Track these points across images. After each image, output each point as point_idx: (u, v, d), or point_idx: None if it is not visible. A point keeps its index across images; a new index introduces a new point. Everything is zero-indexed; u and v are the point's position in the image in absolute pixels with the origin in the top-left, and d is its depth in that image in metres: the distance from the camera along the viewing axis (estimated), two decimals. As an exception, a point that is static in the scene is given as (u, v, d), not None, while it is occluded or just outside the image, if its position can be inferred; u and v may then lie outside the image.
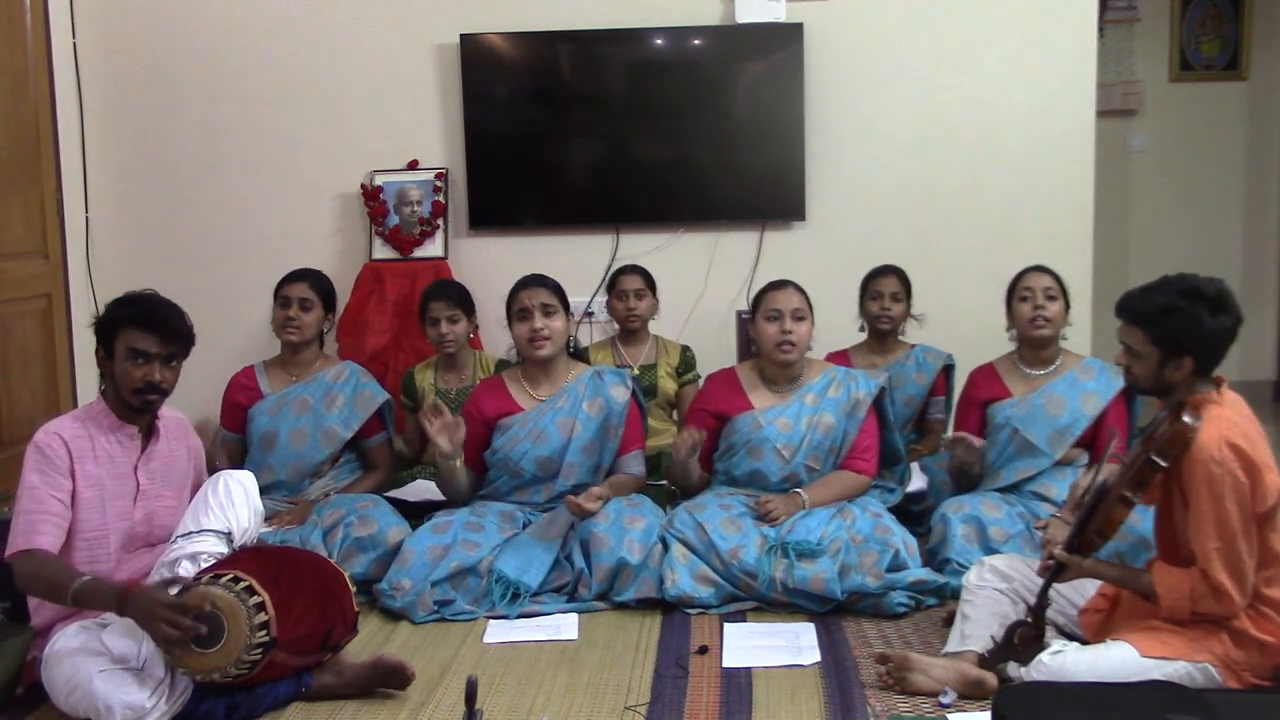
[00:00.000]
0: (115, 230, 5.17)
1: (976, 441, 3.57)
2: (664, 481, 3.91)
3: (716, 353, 4.98)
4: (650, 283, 4.60)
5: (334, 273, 4.45)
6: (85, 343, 4.70)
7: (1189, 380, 2.61)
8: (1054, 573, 2.69)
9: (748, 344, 4.83)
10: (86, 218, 5.08)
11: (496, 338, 4.73)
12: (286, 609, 2.60)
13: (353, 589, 2.83)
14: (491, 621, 3.27)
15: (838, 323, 4.37)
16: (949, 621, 2.98)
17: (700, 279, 5.11)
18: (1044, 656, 2.58)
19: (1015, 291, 3.72)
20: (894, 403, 3.91)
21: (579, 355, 3.89)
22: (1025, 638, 2.69)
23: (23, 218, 4.62)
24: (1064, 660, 2.55)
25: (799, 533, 3.33)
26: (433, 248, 5.09)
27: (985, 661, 2.73)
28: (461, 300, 4.28)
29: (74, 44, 4.99)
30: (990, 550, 3.29)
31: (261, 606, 2.56)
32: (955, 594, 3.04)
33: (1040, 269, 3.73)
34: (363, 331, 4.92)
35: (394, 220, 5.10)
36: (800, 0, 4.96)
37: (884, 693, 2.74)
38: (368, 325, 4.93)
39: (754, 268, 5.10)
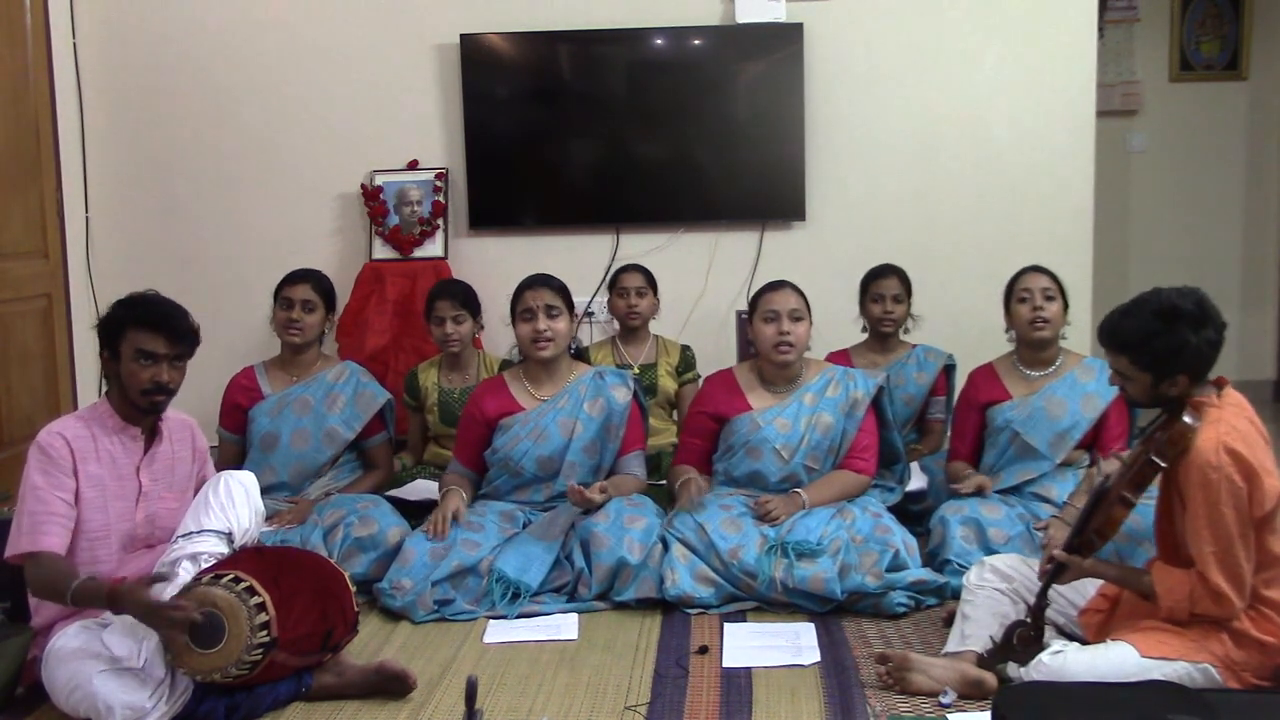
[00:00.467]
0: (115, 230, 5.18)
1: (988, 489, 3.56)
2: (664, 481, 3.91)
3: (716, 353, 4.98)
4: (651, 282, 4.60)
5: (334, 273, 4.45)
6: (85, 343, 4.72)
7: (1186, 391, 2.60)
8: (1054, 573, 2.69)
9: (748, 344, 4.82)
10: (86, 218, 5.08)
11: (497, 338, 4.74)
12: (287, 609, 2.60)
13: (353, 589, 2.83)
14: (491, 621, 3.27)
15: (838, 322, 4.37)
16: (949, 621, 2.98)
17: (700, 279, 5.12)
18: (1044, 656, 2.58)
19: (1013, 293, 3.71)
20: (894, 402, 3.91)
21: (579, 355, 3.90)
22: (1025, 638, 2.69)
23: (23, 218, 4.62)
24: (1064, 660, 2.54)
25: (799, 533, 3.33)
26: (433, 248, 5.10)
27: (985, 661, 2.73)
28: (467, 300, 4.28)
29: (74, 44, 5.00)
30: (990, 551, 3.29)
31: (262, 607, 2.56)
32: (955, 594, 3.04)
33: (1037, 269, 3.72)
34: (363, 331, 4.92)
35: (394, 220, 5.10)
36: (800, 0, 4.96)
37: (884, 693, 2.74)
38: (368, 325, 4.93)
39: (754, 268, 5.10)
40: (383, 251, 5.11)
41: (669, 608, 3.32)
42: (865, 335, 4.46)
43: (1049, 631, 2.76)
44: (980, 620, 2.79)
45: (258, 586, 2.58)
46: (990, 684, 2.67)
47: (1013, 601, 2.81)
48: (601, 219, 5.17)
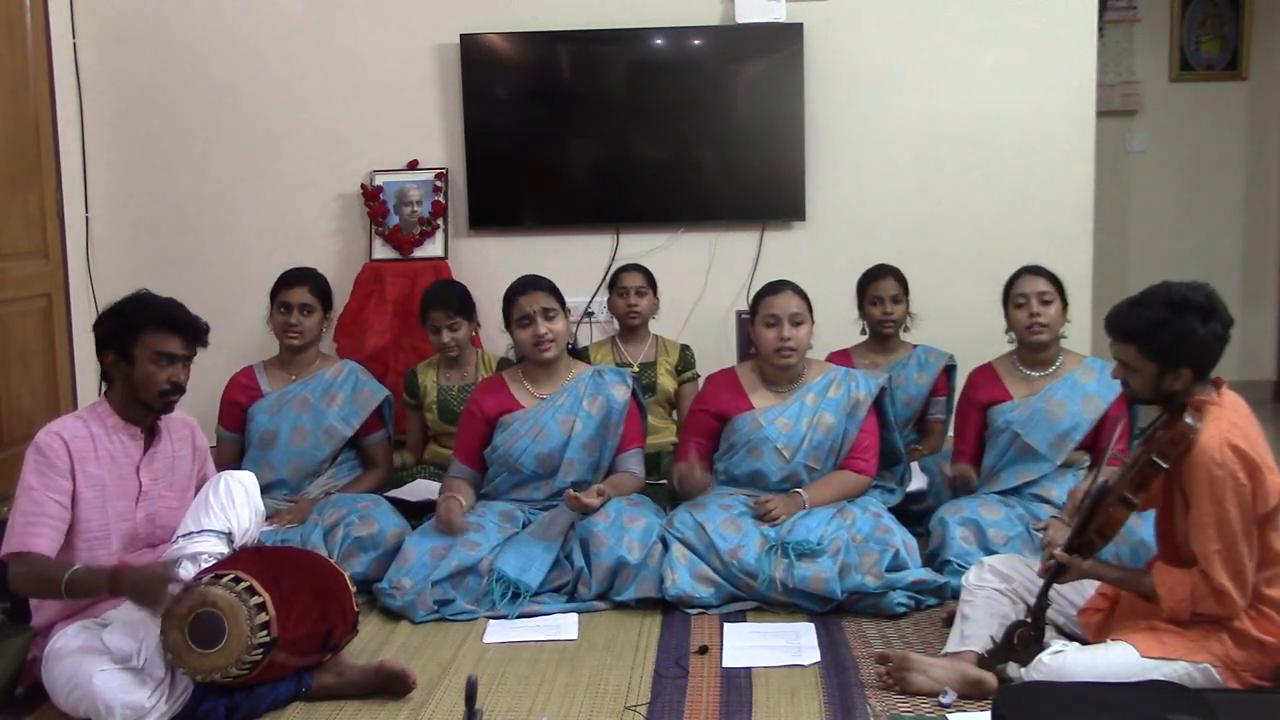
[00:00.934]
0: (115, 230, 5.18)
1: (961, 472, 3.57)
2: (664, 481, 3.91)
3: (716, 353, 4.98)
4: (651, 281, 4.60)
5: (334, 273, 4.45)
6: (85, 343, 4.70)
7: (1189, 387, 2.60)
8: (1054, 574, 2.69)
9: (748, 344, 4.83)
10: (86, 218, 5.08)
11: (497, 338, 4.73)
12: (287, 609, 2.60)
13: (353, 589, 2.83)
14: (491, 621, 3.27)
15: (838, 322, 4.37)
16: (949, 621, 2.98)
17: (700, 279, 5.12)
18: (1044, 656, 2.58)
19: (1010, 297, 3.70)
20: (895, 403, 3.91)
21: (578, 354, 3.90)
22: (1025, 638, 2.69)
23: (23, 218, 4.62)
24: (1064, 660, 2.55)
25: (799, 532, 3.33)
26: (433, 248, 5.10)
27: (985, 661, 2.73)
28: (461, 306, 4.27)
29: (74, 44, 5.00)
30: (989, 552, 3.29)
31: (262, 607, 2.56)
32: (955, 594, 3.04)
33: (1034, 271, 3.69)
34: (363, 331, 4.92)
35: (394, 220, 5.10)
36: (800, 0, 4.96)
37: (884, 693, 2.74)
38: (368, 325, 4.93)
39: (754, 268, 5.10)
40: (383, 251, 5.11)
41: (669, 608, 3.32)
42: (865, 336, 4.45)
43: (1049, 631, 2.76)
44: (980, 620, 2.79)
45: (258, 586, 2.58)
46: (990, 684, 2.67)
47: (1012, 601, 2.81)
48: (601, 219, 5.17)
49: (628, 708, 2.72)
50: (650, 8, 5.01)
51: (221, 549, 2.79)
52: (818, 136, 5.02)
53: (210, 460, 3.15)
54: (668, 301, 4.75)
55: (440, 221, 5.09)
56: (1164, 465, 2.55)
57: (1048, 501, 3.53)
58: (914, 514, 3.80)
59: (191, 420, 3.08)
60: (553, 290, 3.66)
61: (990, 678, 2.68)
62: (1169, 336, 2.55)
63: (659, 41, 5.06)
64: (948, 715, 2.62)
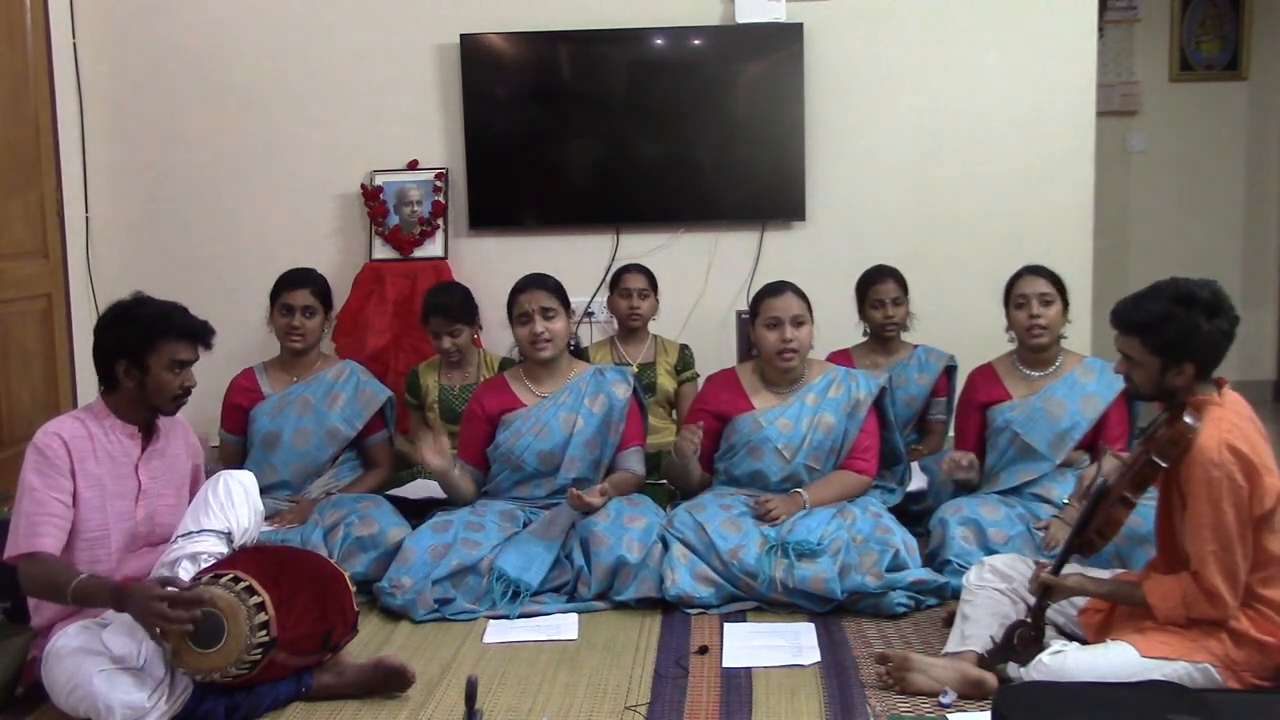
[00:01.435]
0: (115, 230, 5.18)
1: (965, 461, 3.56)
2: (664, 481, 3.91)
3: (716, 353, 4.98)
4: (653, 282, 4.60)
5: (334, 273, 4.45)
6: (86, 343, 4.69)
7: (1190, 384, 2.60)
8: (1043, 594, 2.69)
9: (748, 344, 4.82)
10: (86, 218, 5.08)
11: (497, 338, 4.74)
12: (287, 609, 2.60)
13: (353, 589, 2.83)
14: (491, 621, 3.27)
15: (838, 323, 4.37)
16: (949, 621, 2.98)
17: (700, 279, 5.12)
18: (1044, 656, 2.58)
19: (1011, 298, 3.69)
20: (895, 403, 3.91)
21: (579, 354, 3.90)
22: (1025, 638, 2.69)
23: (23, 218, 4.62)
24: (1064, 660, 2.55)
25: (799, 533, 3.33)
26: (433, 248, 5.10)
27: (985, 661, 2.73)
28: (462, 311, 4.26)
29: (74, 44, 5.00)
30: (990, 551, 3.29)
31: (262, 606, 2.56)
32: (955, 594, 3.04)
33: (1035, 271, 3.69)
34: (363, 331, 4.92)
35: (394, 220, 5.10)
36: (800, 0, 4.96)
37: (884, 693, 2.74)
38: (368, 325, 4.93)
39: (754, 268, 5.10)
40: (383, 251, 5.11)
41: (669, 608, 3.32)
42: (866, 336, 4.45)
43: (1049, 631, 2.76)
44: (980, 620, 2.79)
45: (257, 586, 2.58)
46: (990, 684, 2.67)
47: (1013, 601, 2.81)
48: (601, 219, 5.17)
49: (628, 708, 2.72)
50: (650, 8, 5.01)
51: (221, 549, 2.79)
52: (818, 136, 5.02)
53: (202, 456, 3.15)
54: (668, 301, 4.75)
55: (440, 221, 5.10)
56: (1163, 465, 2.55)
57: (1048, 501, 3.53)
58: (914, 514, 3.80)
59: (182, 418, 3.08)
60: (556, 290, 3.67)
61: (990, 678, 2.68)
62: (1174, 331, 2.55)
63: (659, 41, 5.06)
64: (948, 715, 2.62)
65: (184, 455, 3.05)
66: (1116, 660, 2.51)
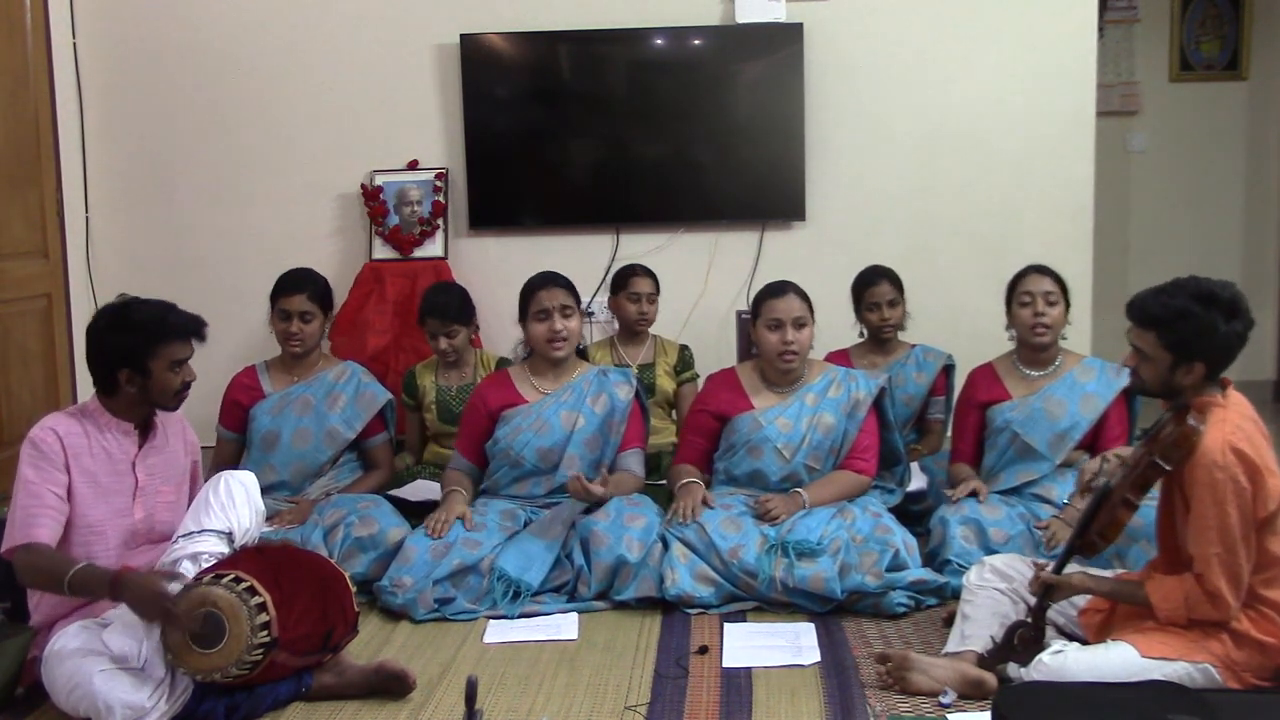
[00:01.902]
0: (115, 230, 5.18)
1: (983, 494, 3.55)
2: (664, 481, 3.91)
3: (716, 353, 4.98)
4: (657, 285, 4.58)
5: (334, 273, 4.45)
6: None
7: (1197, 384, 2.60)
8: (1044, 593, 2.69)
9: (748, 344, 4.82)
10: (86, 218, 5.08)
11: (497, 338, 4.73)
12: (287, 609, 2.61)
13: (353, 589, 2.83)
14: (491, 621, 3.27)
15: (838, 322, 4.36)
16: (949, 621, 2.98)
17: (700, 279, 5.11)
18: (1044, 656, 2.58)
19: (1015, 295, 3.69)
20: (894, 402, 3.91)
21: (579, 354, 3.90)
22: (1025, 638, 2.69)
23: (23, 218, 4.62)
24: (1064, 660, 2.55)
25: (799, 532, 3.33)
26: (433, 248, 5.10)
27: (985, 661, 2.73)
28: (459, 312, 4.25)
29: (74, 44, 5.00)
30: (990, 551, 3.29)
31: (263, 607, 2.56)
32: (955, 594, 3.04)
33: (1040, 271, 3.69)
34: (363, 331, 4.92)
35: (394, 220, 5.10)
36: (800, 0, 4.96)
37: (884, 693, 2.74)
38: (368, 325, 4.93)
39: (754, 268, 5.10)
40: (383, 251, 5.11)
41: (669, 608, 3.32)
42: (862, 337, 4.45)
43: (1049, 631, 2.76)
44: (980, 620, 2.79)
45: (258, 586, 2.58)
46: (990, 684, 2.67)
47: (1013, 601, 2.81)
48: (601, 219, 5.17)
49: (628, 708, 2.72)
50: (650, 8, 5.01)
51: (222, 549, 2.79)
52: (818, 136, 5.02)
53: (200, 455, 3.15)
54: (668, 302, 4.75)
55: (440, 221, 5.09)
56: (1166, 467, 2.54)
57: (1048, 501, 3.53)
58: (914, 514, 3.80)
59: (181, 415, 3.08)
60: (571, 288, 3.68)
61: (990, 678, 2.68)
62: (1191, 328, 2.54)
63: (659, 41, 5.06)
64: (948, 715, 2.62)
65: (182, 452, 3.05)
66: (1117, 660, 2.51)
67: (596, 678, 2.90)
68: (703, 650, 3.02)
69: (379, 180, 5.12)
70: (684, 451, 3.76)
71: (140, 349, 2.82)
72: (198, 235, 5.22)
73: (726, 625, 3.19)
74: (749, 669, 2.91)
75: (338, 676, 2.77)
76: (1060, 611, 2.86)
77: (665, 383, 4.54)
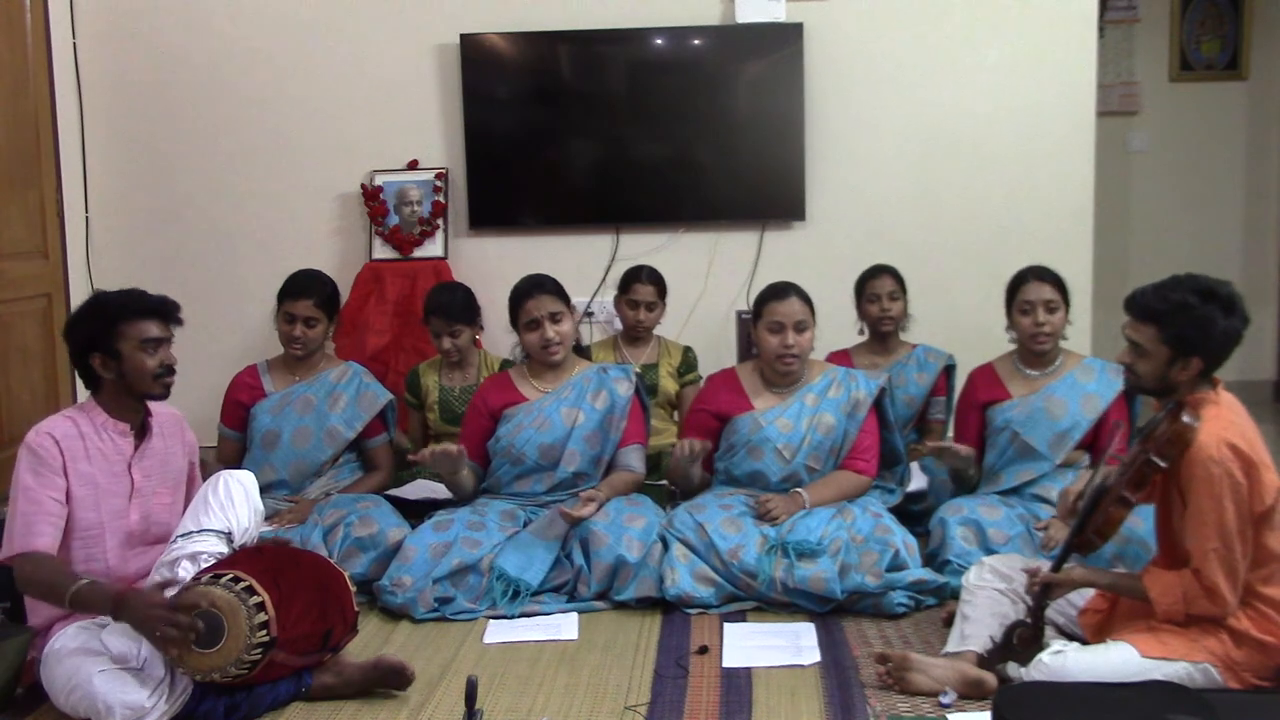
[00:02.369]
0: (115, 230, 5.18)
1: (963, 450, 3.56)
2: (664, 481, 3.91)
3: (716, 353, 4.98)
4: (662, 292, 4.55)
5: (334, 273, 4.44)
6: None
7: (1192, 381, 2.60)
8: (1042, 592, 2.69)
9: (748, 344, 4.83)
10: (86, 218, 5.08)
11: (497, 338, 4.73)
12: (286, 609, 2.60)
13: (353, 589, 2.83)
14: (491, 621, 3.27)
15: (838, 322, 4.36)
16: (949, 621, 2.97)
17: (700, 279, 5.12)
18: (1044, 656, 2.58)
19: (1015, 302, 3.68)
20: (895, 403, 3.91)
21: (581, 353, 3.91)
22: (1024, 637, 2.69)
23: (23, 218, 4.62)
24: (1064, 660, 2.55)
25: (799, 532, 3.33)
26: (433, 248, 5.10)
27: (985, 661, 2.73)
28: (463, 312, 4.25)
29: (74, 44, 5.00)
30: (990, 551, 3.29)
31: (261, 606, 2.56)
32: (955, 594, 3.04)
33: (1041, 277, 3.67)
34: (363, 331, 4.92)
35: (394, 220, 5.10)
36: (800, 0, 4.96)
37: (884, 693, 2.74)
38: (368, 325, 4.93)
39: (754, 268, 5.10)
40: (383, 251, 5.11)
41: (669, 608, 3.32)
42: (865, 336, 4.45)
43: (1049, 631, 2.76)
44: (980, 620, 2.79)
45: (257, 586, 2.58)
46: (990, 684, 2.67)
47: (1013, 601, 2.81)
48: (601, 219, 5.17)
49: (628, 708, 2.72)
50: (650, 8, 5.01)
51: (221, 548, 2.79)
52: (818, 136, 5.03)
53: (198, 453, 3.15)
54: (668, 301, 4.74)
55: (440, 221, 5.10)
56: (1162, 464, 2.55)
57: (1048, 501, 3.53)
58: (914, 514, 3.80)
59: (179, 415, 3.08)
60: (558, 292, 3.67)
61: (990, 678, 2.68)
62: (1190, 322, 2.55)
63: (659, 41, 5.06)
64: (948, 715, 2.62)
65: (179, 453, 3.04)
66: (1116, 660, 2.51)
67: (596, 678, 2.90)
68: (703, 650, 3.02)
69: (379, 180, 5.12)
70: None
71: (104, 330, 2.82)
72: (198, 235, 5.22)
73: (726, 625, 3.19)
74: (749, 669, 2.91)
75: (337, 676, 2.77)
76: (1060, 611, 2.86)
77: (668, 384, 4.54)
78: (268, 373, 3.99)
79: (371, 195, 5.09)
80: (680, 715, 2.67)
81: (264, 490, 3.20)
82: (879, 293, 4.32)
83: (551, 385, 3.70)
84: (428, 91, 5.13)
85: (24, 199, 4.63)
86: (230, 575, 2.59)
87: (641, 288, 4.52)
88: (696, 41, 5.05)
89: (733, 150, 5.07)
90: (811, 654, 2.98)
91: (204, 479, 3.00)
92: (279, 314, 3.93)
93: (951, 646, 2.81)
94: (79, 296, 4.92)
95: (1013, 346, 3.78)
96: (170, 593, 2.59)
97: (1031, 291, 3.65)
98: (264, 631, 2.55)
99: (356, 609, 2.83)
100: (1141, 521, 3.07)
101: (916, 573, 3.29)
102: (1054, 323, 3.62)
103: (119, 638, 2.62)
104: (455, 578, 3.34)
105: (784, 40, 4.96)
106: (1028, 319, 3.63)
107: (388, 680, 2.78)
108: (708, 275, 5.12)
